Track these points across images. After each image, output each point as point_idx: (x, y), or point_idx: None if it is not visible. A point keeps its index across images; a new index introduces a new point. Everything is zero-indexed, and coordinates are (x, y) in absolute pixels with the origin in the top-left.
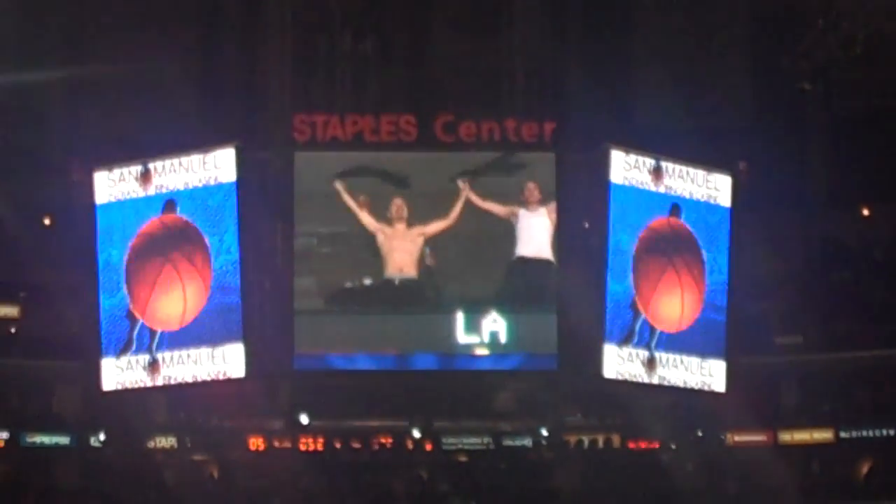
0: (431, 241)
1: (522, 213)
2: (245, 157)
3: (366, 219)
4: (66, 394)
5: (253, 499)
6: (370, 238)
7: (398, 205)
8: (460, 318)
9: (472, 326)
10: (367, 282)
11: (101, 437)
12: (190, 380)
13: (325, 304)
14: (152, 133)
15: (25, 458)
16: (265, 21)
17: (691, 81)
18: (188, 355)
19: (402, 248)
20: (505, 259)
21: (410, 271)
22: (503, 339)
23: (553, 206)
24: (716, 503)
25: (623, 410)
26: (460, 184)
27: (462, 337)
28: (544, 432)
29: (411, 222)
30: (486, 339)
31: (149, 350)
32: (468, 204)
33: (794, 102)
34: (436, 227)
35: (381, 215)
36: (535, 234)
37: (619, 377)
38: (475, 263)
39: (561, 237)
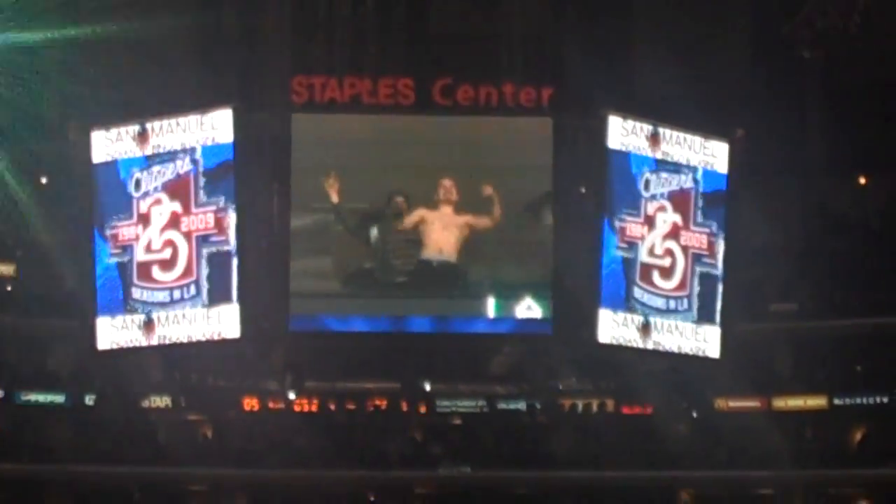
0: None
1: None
2: (242, 118)
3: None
4: (61, 352)
5: (247, 459)
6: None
7: (447, 187)
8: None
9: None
10: (398, 263)
11: (95, 395)
12: (185, 340)
13: (343, 286)
14: (150, 93)
15: (20, 415)
16: None
17: (690, 48)
18: (183, 315)
19: (447, 233)
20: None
21: (451, 255)
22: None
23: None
24: (709, 468)
25: (617, 375)
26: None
27: None
28: (538, 396)
29: (459, 209)
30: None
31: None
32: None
33: (792, 70)
34: (484, 222)
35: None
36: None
37: (614, 342)
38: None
39: (557, 203)
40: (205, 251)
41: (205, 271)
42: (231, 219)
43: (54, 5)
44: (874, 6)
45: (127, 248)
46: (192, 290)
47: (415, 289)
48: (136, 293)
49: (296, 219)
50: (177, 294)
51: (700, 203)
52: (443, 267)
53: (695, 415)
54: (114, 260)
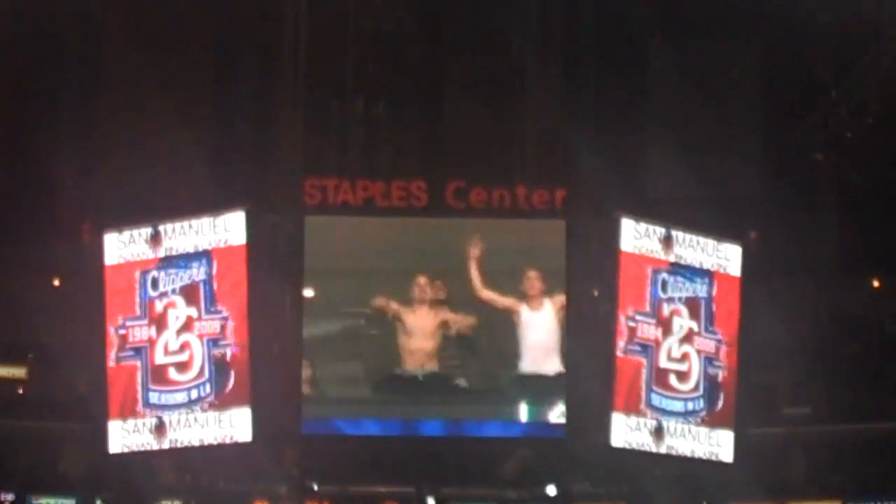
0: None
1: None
2: (255, 220)
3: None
4: (72, 455)
5: None
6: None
7: (421, 284)
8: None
9: None
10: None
11: (106, 499)
12: (196, 443)
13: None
14: (163, 196)
15: None
16: (277, 84)
17: (703, 150)
18: (195, 418)
19: (425, 336)
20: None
21: (432, 364)
22: None
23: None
24: None
25: (630, 479)
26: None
27: None
28: (551, 500)
29: (434, 305)
30: None
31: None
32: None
33: (805, 172)
34: (465, 321)
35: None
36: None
37: (627, 446)
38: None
39: (570, 305)
40: (215, 353)
41: (215, 373)
42: (241, 322)
43: (67, 105)
44: (886, 108)
45: (140, 351)
46: (207, 388)
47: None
48: (152, 398)
49: (326, 323)
50: (194, 394)
51: (712, 308)
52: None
53: None
54: (126, 362)
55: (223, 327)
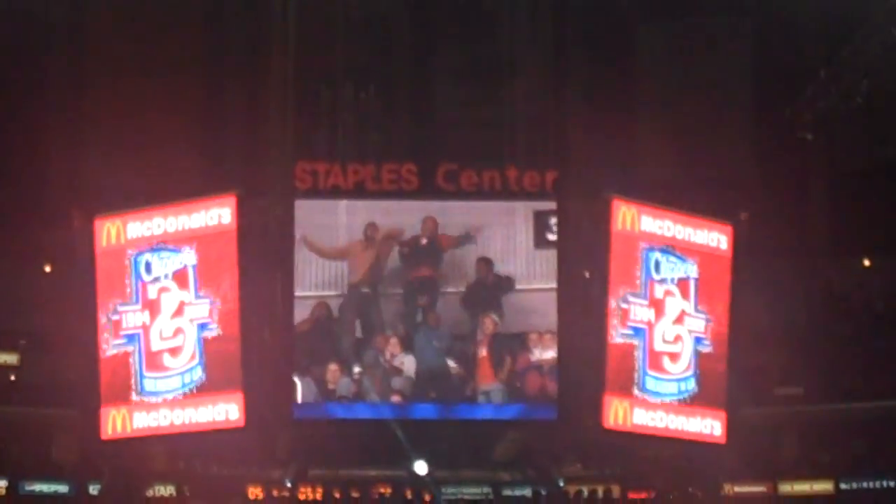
0: None
1: None
2: (245, 205)
3: None
4: (64, 442)
5: None
6: None
7: None
8: None
9: None
10: None
11: (99, 485)
12: (189, 429)
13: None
14: (153, 180)
15: None
16: (268, 69)
17: (693, 131)
18: (188, 404)
19: None
20: None
21: None
22: None
23: None
24: None
25: (622, 460)
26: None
27: None
28: (543, 482)
29: None
30: None
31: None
32: None
33: (795, 153)
34: None
35: None
36: None
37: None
38: None
39: (561, 288)
40: (204, 337)
41: (207, 358)
42: (231, 306)
43: (59, 92)
44: (876, 87)
45: (133, 337)
46: (199, 371)
47: None
48: (148, 385)
49: None
50: (187, 378)
51: (702, 287)
52: None
53: (700, 500)
54: (120, 349)
55: (212, 311)
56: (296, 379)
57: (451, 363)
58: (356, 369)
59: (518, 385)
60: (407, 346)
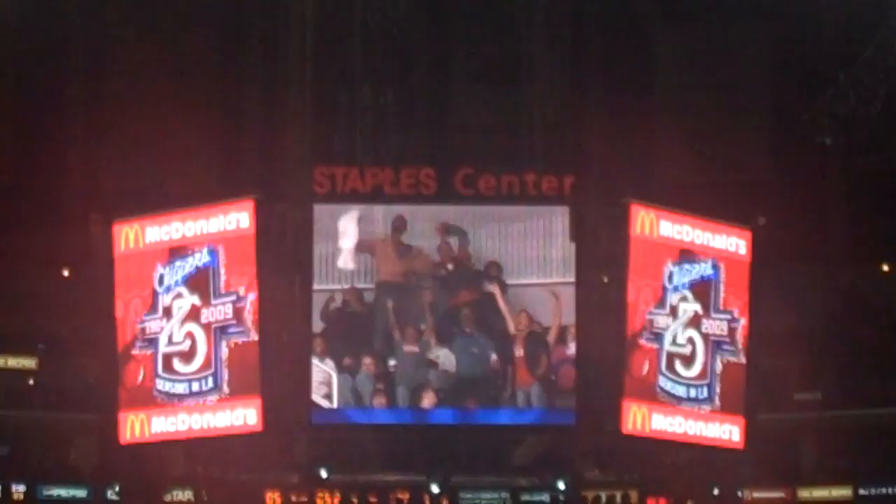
0: None
1: None
2: (264, 209)
3: None
4: (83, 446)
5: None
6: None
7: None
8: None
9: None
10: None
11: (118, 489)
12: (207, 433)
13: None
14: (172, 185)
15: None
16: (285, 73)
17: (711, 135)
18: (206, 408)
19: None
20: None
21: None
22: None
23: None
24: None
25: (641, 466)
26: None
27: None
28: (562, 487)
29: None
30: None
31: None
32: None
33: (814, 157)
34: None
35: None
36: None
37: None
38: None
39: (579, 291)
40: (224, 343)
41: (224, 364)
42: (250, 309)
43: (78, 97)
44: (895, 92)
45: (152, 342)
46: (210, 382)
47: None
48: (160, 384)
49: None
50: (195, 386)
51: (721, 291)
52: None
53: None
54: (140, 352)
55: (231, 317)
56: (332, 375)
57: (491, 365)
58: (391, 362)
59: (553, 378)
60: (441, 339)
